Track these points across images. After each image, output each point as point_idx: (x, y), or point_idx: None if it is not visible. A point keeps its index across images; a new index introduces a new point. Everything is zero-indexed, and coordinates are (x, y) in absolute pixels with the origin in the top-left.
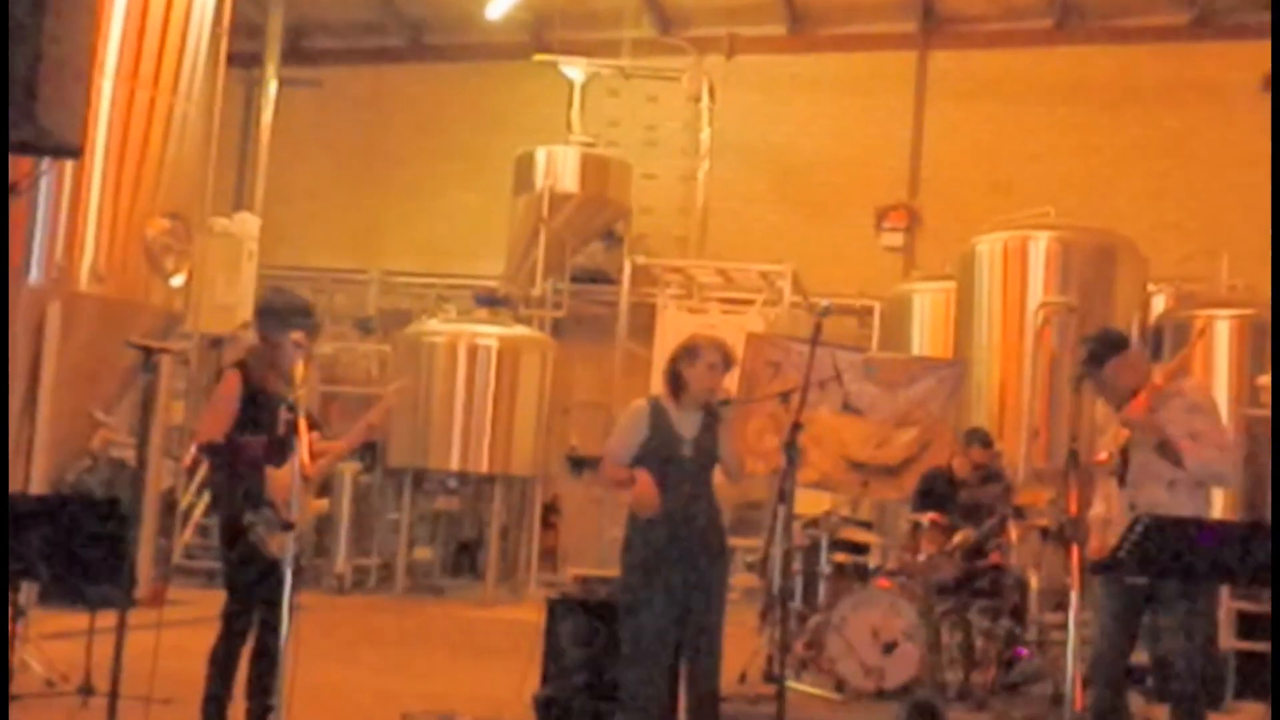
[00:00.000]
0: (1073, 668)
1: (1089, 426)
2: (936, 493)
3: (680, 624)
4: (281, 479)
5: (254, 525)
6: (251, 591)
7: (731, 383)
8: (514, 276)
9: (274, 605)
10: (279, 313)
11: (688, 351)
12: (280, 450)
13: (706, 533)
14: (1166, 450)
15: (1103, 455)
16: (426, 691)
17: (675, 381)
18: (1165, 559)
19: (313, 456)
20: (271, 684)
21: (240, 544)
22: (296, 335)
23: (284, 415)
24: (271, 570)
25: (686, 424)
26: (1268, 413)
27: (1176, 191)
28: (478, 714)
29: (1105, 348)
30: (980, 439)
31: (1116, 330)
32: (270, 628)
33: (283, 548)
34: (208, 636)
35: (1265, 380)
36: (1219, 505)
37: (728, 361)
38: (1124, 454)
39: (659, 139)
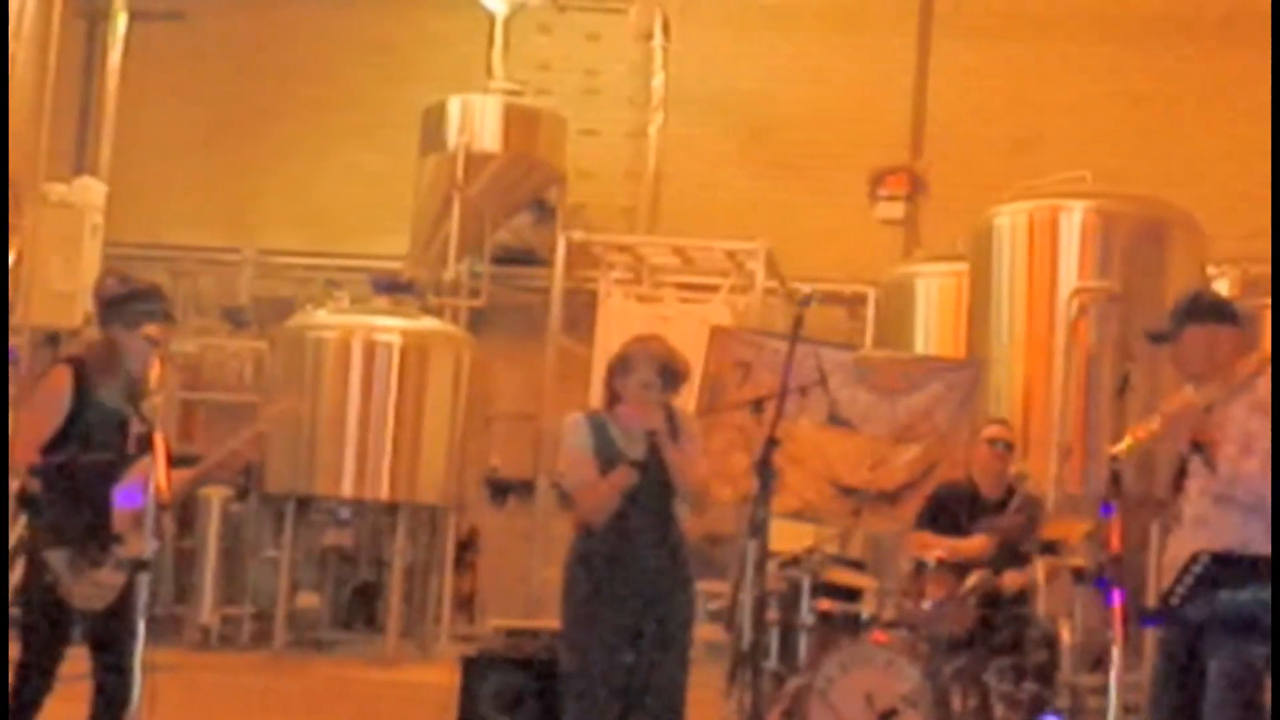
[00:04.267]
0: None
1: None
2: (951, 516)
3: (631, 685)
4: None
5: (48, 563)
6: (45, 650)
7: (690, 391)
8: (421, 257)
9: (118, 666)
10: (120, 301)
11: (621, 363)
12: (115, 472)
13: (664, 573)
14: (1203, 452)
15: (1120, 445)
16: None
17: (611, 396)
18: (1228, 606)
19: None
20: None
21: (34, 586)
22: (150, 330)
23: (136, 428)
24: (66, 622)
25: (633, 441)
26: None
27: (1244, 151)
28: None
29: (1187, 311)
30: (995, 420)
31: (1218, 299)
32: (113, 692)
33: (86, 597)
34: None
35: None
36: None
37: (673, 377)
38: (1183, 455)
39: (601, 87)
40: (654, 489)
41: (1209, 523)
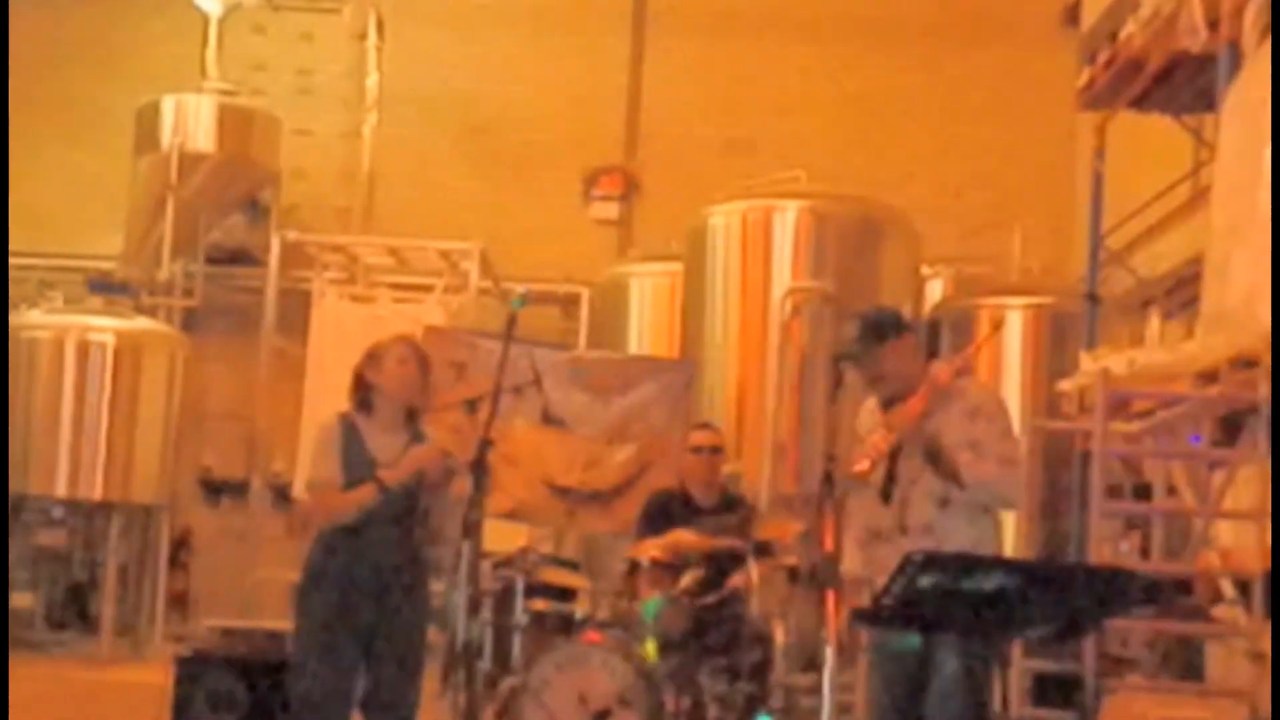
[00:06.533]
0: None
1: (849, 441)
2: (668, 520)
3: (361, 687)
4: None
5: None
6: None
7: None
8: (135, 257)
9: None
10: None
11: (370, 357)
12: None
13: (402, 580)
14: (940, 462)
15: (863, 464)
16: None
17: (363, 391)
18: (943, 607)
19: None
20: None
21: None
22: None
23: None
24: None
25: (383, 446)
26: (1069, 425)
27: (957, 152)
28: None
29: (880, 329)
30: (700, 424)
31: (894, 310)
32: None
33: None
34: None
35: (1068, 385)
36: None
37: (423, 360)
38: (891, 465)
39: (315, 86)
40: (408, 494)
41: (935, 529)
